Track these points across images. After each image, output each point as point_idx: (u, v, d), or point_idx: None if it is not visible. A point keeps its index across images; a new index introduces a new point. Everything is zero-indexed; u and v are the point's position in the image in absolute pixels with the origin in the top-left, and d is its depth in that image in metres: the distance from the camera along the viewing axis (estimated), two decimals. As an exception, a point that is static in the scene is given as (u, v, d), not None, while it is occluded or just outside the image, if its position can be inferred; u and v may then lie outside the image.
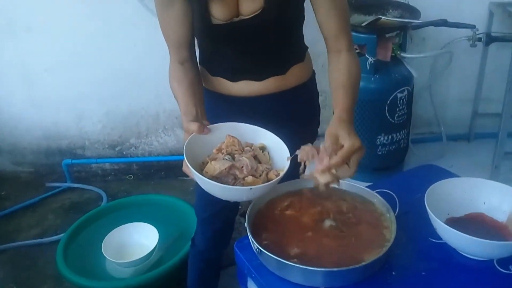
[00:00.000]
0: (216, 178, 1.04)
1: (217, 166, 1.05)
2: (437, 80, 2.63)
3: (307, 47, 1.38)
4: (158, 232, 2.08)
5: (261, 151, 1.14)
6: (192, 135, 1.10)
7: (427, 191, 1.10)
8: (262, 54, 1.27)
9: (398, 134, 2.40)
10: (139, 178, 2.90)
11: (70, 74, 2.64)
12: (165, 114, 2.79)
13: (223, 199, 1.06)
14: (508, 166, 2.47)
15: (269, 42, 1.25)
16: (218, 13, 1.17)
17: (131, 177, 2.90)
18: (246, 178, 1.04)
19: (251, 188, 1.00)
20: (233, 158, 1.07)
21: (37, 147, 2.87)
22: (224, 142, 1.11)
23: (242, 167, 1.05)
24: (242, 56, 1.27)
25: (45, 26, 2.53)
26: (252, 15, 1.18)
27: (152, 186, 2.81)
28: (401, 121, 2.37)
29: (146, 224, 2.12)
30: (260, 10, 1.17)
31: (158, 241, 2.04)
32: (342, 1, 1.19)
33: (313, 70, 1.43)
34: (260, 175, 1.06)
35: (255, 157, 1.10)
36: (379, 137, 2.36)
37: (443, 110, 2.79)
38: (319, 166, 1.00)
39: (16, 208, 2.64)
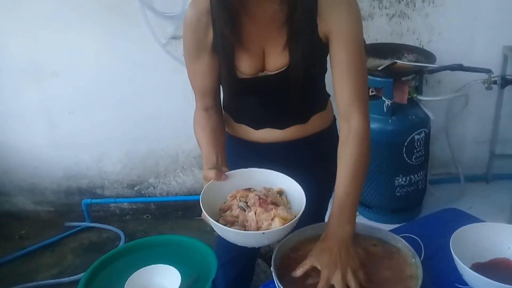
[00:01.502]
0: (231, 224, 1.07)
1: (233, 213, 1.09)
2: (454, 122, 2.65)
3: (329, 95, 1.41)
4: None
5: (278, 195, 1.16)
6: (210, 182, 1.13)
7: (452, 236, 1.10)
8: (285, 105, 1.31)
9: (416, 175, 2.40)
10: (157, 218, 2.91)
11: (93, 116, 2.71)
12: (183, 155, 2.83)
13: (240, 244, 1.09)
14: (528, 207, 2.45)
15: (292, 94, 1.28)
16: (244, 69, 1.22)
17: (148, 216, 2.92)
18: (274, 219, 1.06)
19: (264, 233, 1.02)
20: (247, 204, 1.10)
21: (57, 186, 2.92)
22: (238, 191, 1.14)
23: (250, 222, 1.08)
24: (265, 107, 1.32)
25: (70, 71, 2.61)
26: (277, 72, 1.22)
27: (170, 226, 2.82)
28: (419, 162, 2.38)
29: (168, 266, 2.11)
30: (285, 67, 1.21)
31: (180, 284, 2.02)
32: (360, 65, 1.18)
33: (334, 116, 1.46)
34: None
35: (272, 202, 1.11)
36: (397, 178, 2.37)
37: (460, 151, 2.80)
38: None
39: (35, 247, 2.66)
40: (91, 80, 2.63)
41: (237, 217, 1.09)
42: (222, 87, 1.33)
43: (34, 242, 2.70)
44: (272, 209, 1.07)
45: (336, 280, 1.00)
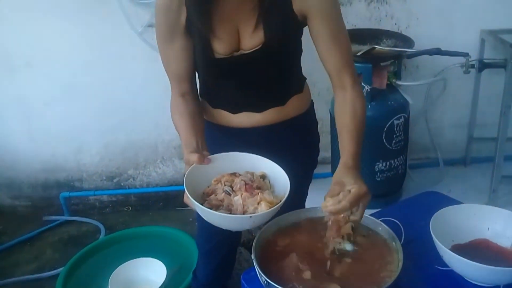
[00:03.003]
0: (216, 208, 1.06)
1: (218, 197, 1.08)
2: (432, 106, 2.66)
3: (305, 78, 1.41)
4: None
5: (261, 179, 1.15)
6: (192, 166, 1.12)
7: (432, 219, 1.10)
8: (262, 86, 1.30)
9: (396, 160, 2.41)
10: (137, 210, 2.88)
11: (69, 107, 2.65)
12: (163, 145, 2.80)
13: (224, 228, 1.08)
14: (506, 189, 2.49)
15: (269, 75, 1.27)
16: (220, 48, 1.20)
17: (129, 208, 2.89)
18: (260, 203, 1.06)
19: (250, 216, 1.02)
20: (232, 188, 1.09)
21: (35, 180, 2.86)
22: (223, 175, 1.13)
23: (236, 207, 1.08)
24: (242, 89, 1.30)
25: (44, 61, 2.55)
26: (252, 50, 1.20)
27: (150, 217, 2.79)
28: (399, 147, 2.39)
29: (152, 259, 2.09)
30: (260, 45, 1.20)
31: (166, 276, 2.01)
32: (343, 35, 1.20)
33: (312, 100, 1.45)
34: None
35: (257, 187, 1.11)
36: (377, 163, 2.38)
37: (439, 135, 2.82)
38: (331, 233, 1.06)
39: (13, 242, 2.61)
40: (66, 70, 2.57)
41: (222, 201, 1.08)
42: (198, 71, 1.31)
43: (12, 237, 2.65)
44: (258, 194, 1.07)
45: (364, 203, 1.05)
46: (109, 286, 1.96)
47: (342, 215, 1.04)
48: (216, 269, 1.59)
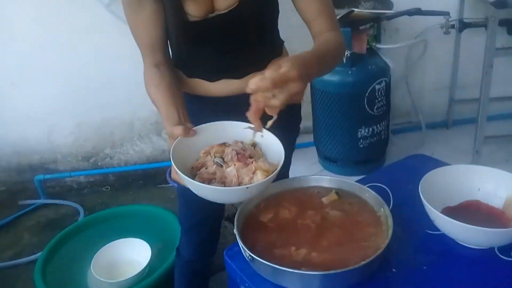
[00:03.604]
0: (209, 182, 0.99)
1: (209, 170, 1.01)
2: (413, 70, 2.62)
3: (283, 41, 1.34)
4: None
5: (253, 147, 1.08)
6: (177, 139, 1.04)
7: (420, 182, 1.06)
8: (240, 50, 1.22)
9: (378, 125, 2.37)
10: (117, 189, 2.80)
11: (38, 86, 2.54)
12: (139, 122, 2.71)
13: (219, 202, 1.02)
14: (489, 150, 2.47)
15: (246, 37, 1.20)
16: (193, 10, 1.12)
17: (108, 188, 2.81)
18: (255, 173, 0.99)
19: (247, 187, 0.95)
20: (223, 159, 1.02)
21: (7, 164, 2.75)
22: (212, 147, 1.06)
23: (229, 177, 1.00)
24: (219, 55, 1.22)
25: (8, 38, 2.42)
26: (228, 10, 1.13)
27: (131, 196, 2.72)
28: (381, 112, 2.35)
29: (136, 239, 2.03)
30: (236, 5, 1.12)
31: (151, 256, 1.95)
32: None
33: (291, 64, 1.38)
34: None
35: (250, 156, 1.04)
36: (360, 130, 2.33)
37: (420, 99, 2.79)
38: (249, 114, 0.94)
39: (-12, 229, 2.51)
40: (31, 47, 2.45)
41: (213, 174, 1.00)
42: (170, 38, 1.22)
43: (-13, 224, 2.56)
44: (251, 163, 1.00)
45: (290, 87, 0.88)
46: (91, 269, 1.90)
47: (262, 95, 0.89)
48: (200, 245, 1.54)
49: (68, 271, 2.05)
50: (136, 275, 1.87)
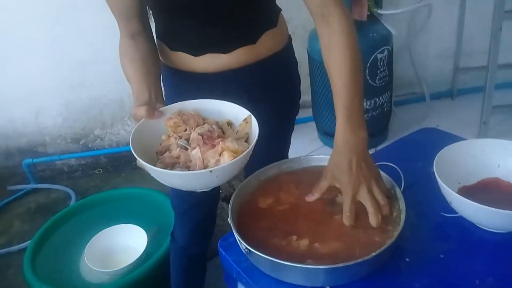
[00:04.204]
0: (172, 167, 0.89)
1: (172, 154, 0.91)
2: (416, 37, 2.49)
3: (280, 9, 1.20)
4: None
5: (229, 126, 0.98)
6: (141, 121, 0.94)
7: (435, 159, 0.94)
8: (227, 22, 1.08)
9: (381, 97, 2.26)
10: (109, 171, 2.71)
11: (21, 65, 2.43)
12: (130, 100, 2.56)
13: (185, 189, 0.91)
14: (497, 120, 2.37)
15: (234, 7, 1.06)
16: None
17: (100, 171, 2.71)
18: (222, 154, 0.88)
19: (211, 171, 0.83)
20: (188, 142, 0.92)
21: (-6, 148, 2.65)
22: (171, 117, 0.96)
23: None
24: (203, 26, 1.09)
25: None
26: None
27: (124, 178, 2.63)
28: (383, 83, 2.23)
29: (132, 225, 1.93)
30: None
31: (147, 243, 1.85)
32: None
33: (289, 36, 1.25)
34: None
35: (218, 136, 0.92)
36: (362, 103, 2.22)
37: (424, 68, 2.68)
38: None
39: (-23, 217, 2.43)
40: (13, 23, 2.33)
41: (177, 157, 0.90)
42: (150, 7, 1.09)
43: (-25, 211, 2.47)
44: (219, 143, 0.89)
45: (363, 196, 0.88)
46: (84, 257, 1.81)
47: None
48: (195, 230, 1.45)
49: (60, 258, 1.96)
50: (131, 263, 1.78)
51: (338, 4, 0.97)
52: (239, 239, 0.85)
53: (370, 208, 0.88)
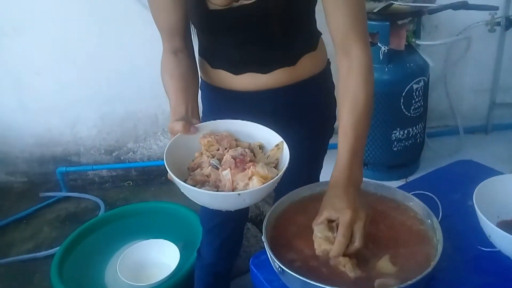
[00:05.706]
0: (201, 184, 0.90)
1: (204, 171, 0.92)
2: (452, 69, 2.47)
3: (320, 34, 1.21)
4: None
5: (261, 150, 0.98)
6: (176, 136, 0.95)
7: (475, 191, 0.93)
8: (267, 43, 1.10)
9: (414, 128, 2.24)
10: (138, 184, 2.74)
11: (62, 76, 2.48)
12: (163, 116, 2.63)
13: (212, 208, 0.92)
14: (532, 158, 2.32)
15: (275, 29, 1.07)
16: None
17: (129, 183, 2.75)
18: (251, 178, 0.88)
19: (239, 194, 0.85)
20: (220, 162, 0.93)
21: (30, 155, 2.71)
22: (205, 136, 0.97)
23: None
24: (244, 47, 1.11)
25: (33, 27, 2.37)
26: (254, 0, 1.01)
27: (152, 192, 2.65)
28: (417, 114, 2.21)
29: (165, 241, 1.95)
30: None
31: (180, 259, 1.86)
32: None
33: (328, 59, 1.26)
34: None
35: (250, 160, 0.93)
36: (395, 132, 2.20)
37: (459, 101, 2.64)
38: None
39: (8, 220, 2.48)
40: (56, 37, 2.39)
41: (208, 176, 0.91)
42: (193, 25, 1.13)
43: (7, 215, 2.52)
44: (249, 167, 0.89)
45: (358, 227, 0.85)
46: (117, 270, 1.81)
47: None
48: (221, 248, 1.45)
49: (86, 267, 1.99)
50: (163, 278, 1.78)
51: (361, 39, 0.99)
52: (272, 257, 0.85)
53: (354, 240, 0.85)
